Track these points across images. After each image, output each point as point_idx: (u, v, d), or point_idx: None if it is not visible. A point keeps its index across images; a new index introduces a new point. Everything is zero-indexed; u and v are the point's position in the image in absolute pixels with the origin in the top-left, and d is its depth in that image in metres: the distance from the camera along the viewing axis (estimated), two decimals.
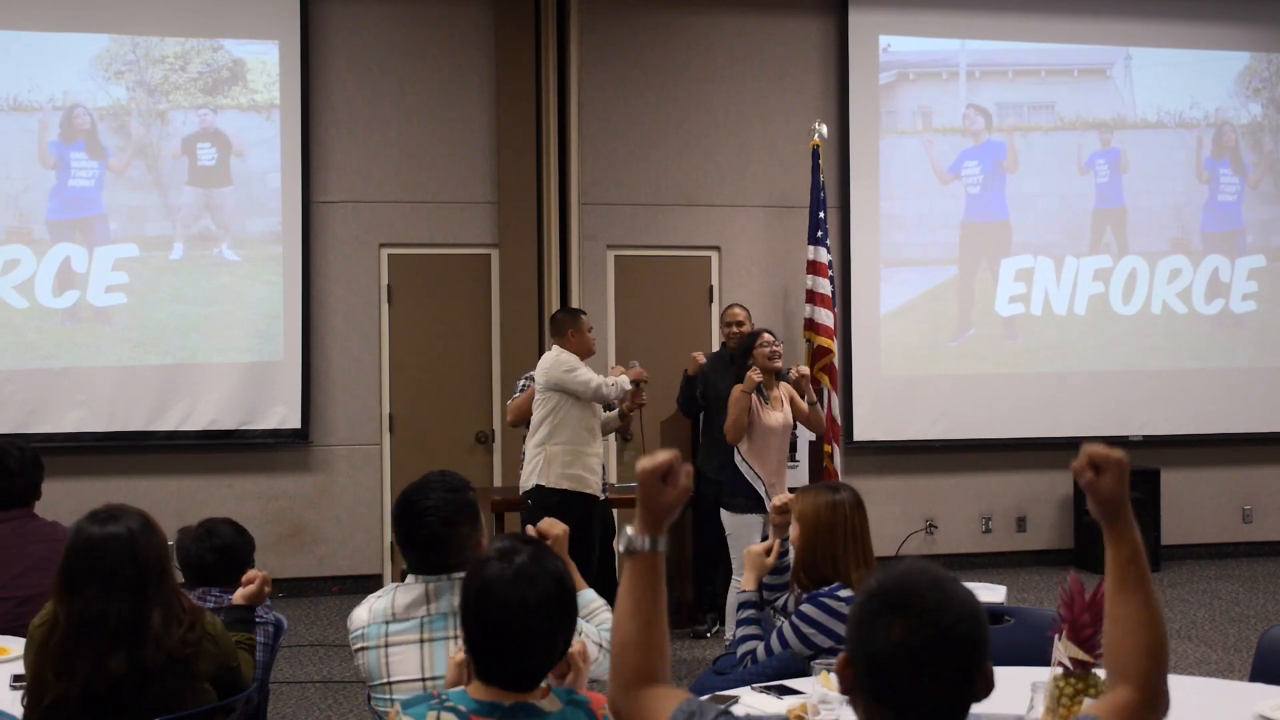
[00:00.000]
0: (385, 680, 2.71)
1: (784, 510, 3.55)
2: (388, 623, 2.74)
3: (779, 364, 5.97)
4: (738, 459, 5.89)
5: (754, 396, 5.81)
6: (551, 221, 7.83)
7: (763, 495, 5.82)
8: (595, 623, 2.84)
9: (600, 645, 2.72)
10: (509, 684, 2.10)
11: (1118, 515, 1.84)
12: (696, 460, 6.66)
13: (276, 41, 7.68)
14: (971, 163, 8.52)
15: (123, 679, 2.57)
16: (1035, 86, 8.66)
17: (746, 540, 5.87)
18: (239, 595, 3.19)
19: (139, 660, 2.59)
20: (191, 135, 7.61)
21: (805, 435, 6.89)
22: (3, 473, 3.88)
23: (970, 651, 1.62)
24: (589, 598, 2.89)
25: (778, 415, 5.91)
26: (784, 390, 6.01)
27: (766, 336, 6.01)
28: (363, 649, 2.76)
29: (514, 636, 2.07)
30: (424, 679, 2.67)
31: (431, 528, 2.76)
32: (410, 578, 2.80)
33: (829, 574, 3.30)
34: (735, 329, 6.78)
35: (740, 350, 6.18)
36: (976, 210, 8.51)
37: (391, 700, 2.65)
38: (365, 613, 2.79)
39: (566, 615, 2.14)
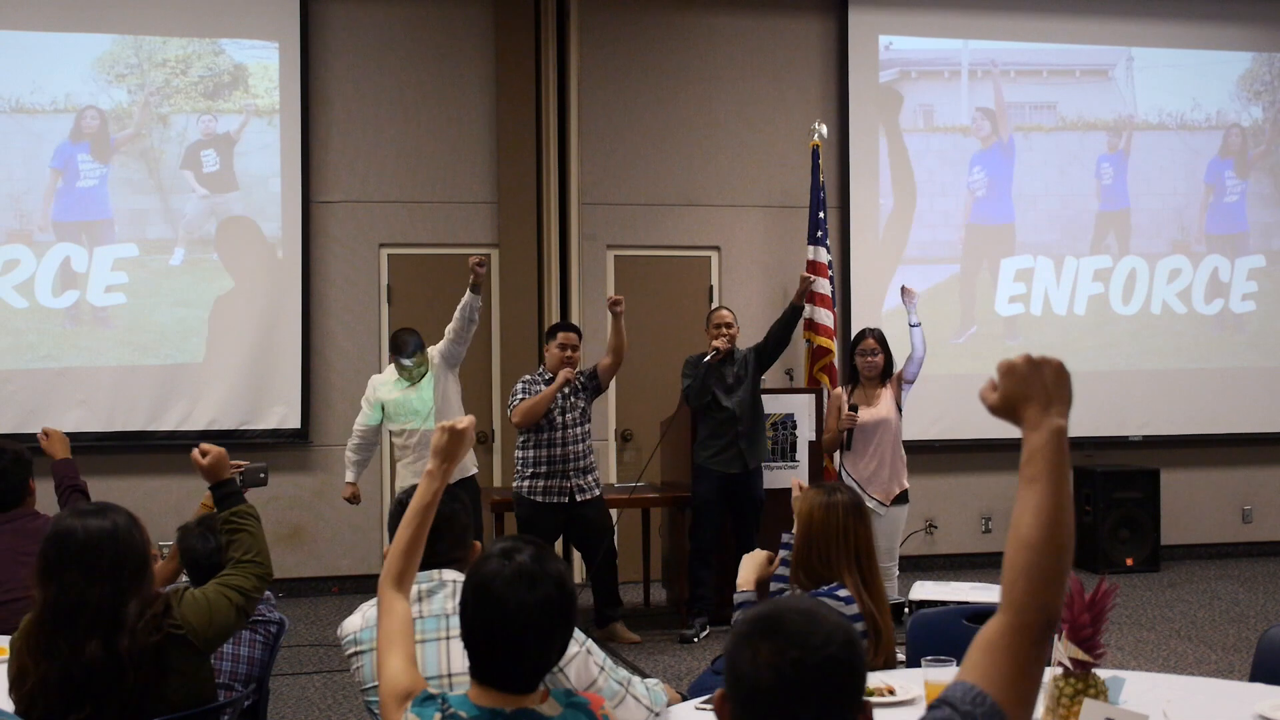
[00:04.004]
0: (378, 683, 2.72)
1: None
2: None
3: (872, 372, 6.47)
4: (841, 470, 6.43)
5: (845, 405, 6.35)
6: (551, 221, 7.83)
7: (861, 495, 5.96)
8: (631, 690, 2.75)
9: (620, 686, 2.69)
10: (505, 685, 2.09)
11: (1019, 415, 1.66)
12: (695, 458, 6.64)
13: (276, 42, 7.68)
14: (978, 167, 8.52)
15: (99, 665, 2.60)
16: (1037, 87, 8.66)
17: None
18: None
19: (114, 648, 2.61)
20: (192, 140, 7.61)
21: (805, 436, 6.90)
22: None
23: (841, 676, 1.55)
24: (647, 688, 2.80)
25: (872, 412, 6.32)
26: (889, 387, 6.43)
27: (869, 343, 6.52)
28: (356, 653, 2.77)
29: (511, 637, 2.06)
30: (436, 676, 2.66)
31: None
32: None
33: (824, 574, 3.31)
34: (725, 330, 6.56)
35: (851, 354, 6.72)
36: (983, 213, 8.52)
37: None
38: (359, 619, 2.81)
39: (566, 618, 2.13)
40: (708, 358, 6.45)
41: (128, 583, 2.66)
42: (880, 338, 6.56)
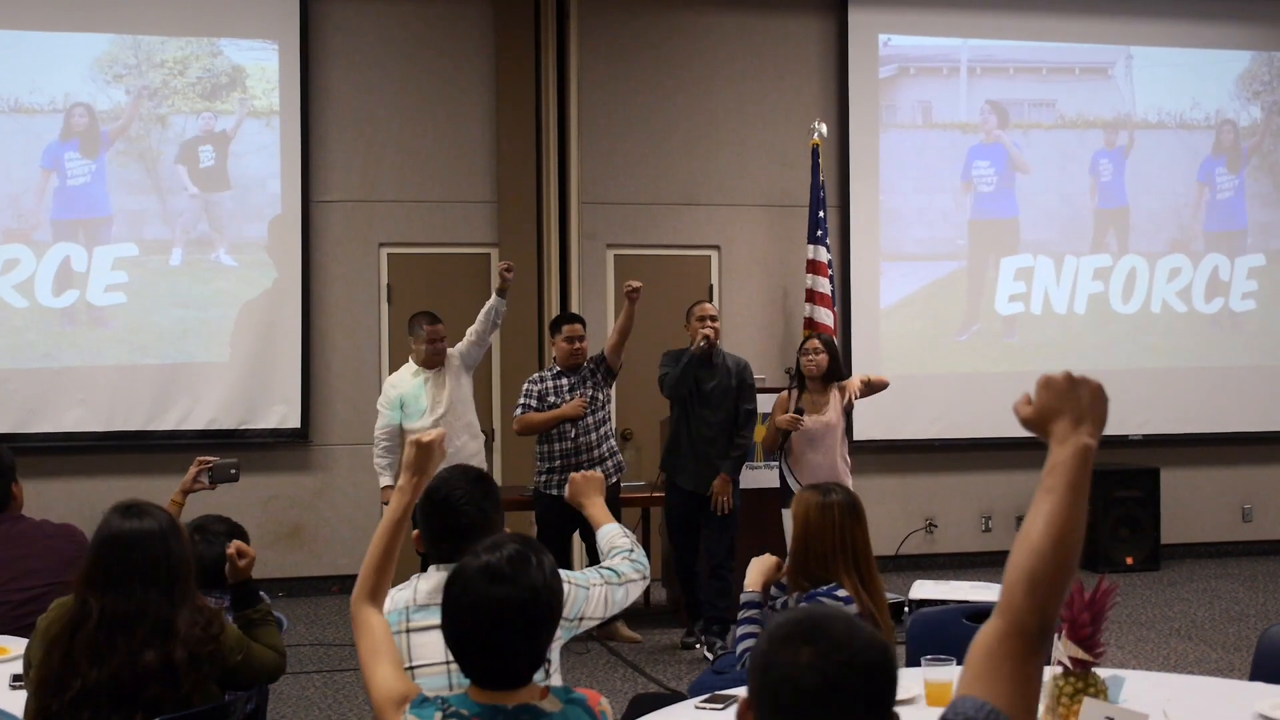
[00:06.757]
0: (409, 665, 2.73)
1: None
2: (408, 609, 2.76)
3: (815, 370, 6.09)
4: (783, 467, 6.10)
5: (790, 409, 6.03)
6: (551, 221, 7.83)
7: None
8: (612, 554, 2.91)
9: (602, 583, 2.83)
10: (493, 683, 2.08)
11: (1048, 429, 1.65)
12: (662, 464, 6.45)
13: (276, 42, 7.68)
14: (983, 161, 8.51)
15: (151, 673, 2.62)
16: (1037, 84, 8.66)
17: None
18: (229, 575, 3.19)
19: (168, 657, 2.64)
20: (190, 140, 7.62)
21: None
22: None
23: (878, 683, 1.56)
24: (611, 531, 2.98)
25: (817, 418, 6.03)
26: (834, 392, 6.11)
27: (813, 343, 6.20)
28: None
29: (491, 635, 2.05)
30: (448, 662, 2.66)
31: (469, 516, 2.78)
32: (432, 567, 2.82)
33: (821, 575, 3.30)
34: (711, 323, 6.25)
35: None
36: (986, 208, 8.52)
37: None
38: (388, 602, 2.81)
39: (550, 615, 2.12)
40: (693, 347, 6.14)
41: (179, 594, 2.71)
42: (829, 343, 6.24)
